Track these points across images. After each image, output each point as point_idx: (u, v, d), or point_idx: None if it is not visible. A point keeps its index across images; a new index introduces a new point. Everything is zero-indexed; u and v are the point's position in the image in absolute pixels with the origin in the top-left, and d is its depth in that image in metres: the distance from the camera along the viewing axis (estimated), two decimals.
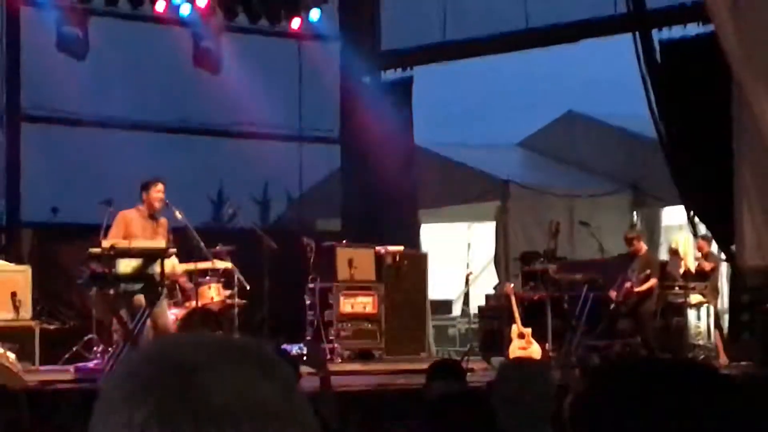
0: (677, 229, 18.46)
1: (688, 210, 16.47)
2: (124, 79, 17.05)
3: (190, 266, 13.81)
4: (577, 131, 20.81)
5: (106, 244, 12.17)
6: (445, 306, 19.65)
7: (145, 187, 12.93)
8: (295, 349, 6.49)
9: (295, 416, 1.45)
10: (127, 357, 1.49)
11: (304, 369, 6.90)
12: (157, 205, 12.87)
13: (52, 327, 14.71)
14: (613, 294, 15.38)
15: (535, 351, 14.70)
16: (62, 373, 12.86)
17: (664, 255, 18.06)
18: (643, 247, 15.94)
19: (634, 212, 19.82)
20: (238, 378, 1.43)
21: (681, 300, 15.77)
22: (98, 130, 17.32)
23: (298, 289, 15.78)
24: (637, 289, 15.40)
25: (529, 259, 16.60)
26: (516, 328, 14.89)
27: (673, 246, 16.82)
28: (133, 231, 12.72)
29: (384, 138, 18.45)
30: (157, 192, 12.88)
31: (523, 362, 6.38)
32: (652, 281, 15.50)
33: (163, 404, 1.41)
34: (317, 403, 6.60)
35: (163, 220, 13.00)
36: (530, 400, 4.75)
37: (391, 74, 19.34)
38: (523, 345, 14.77)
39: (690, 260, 16.26)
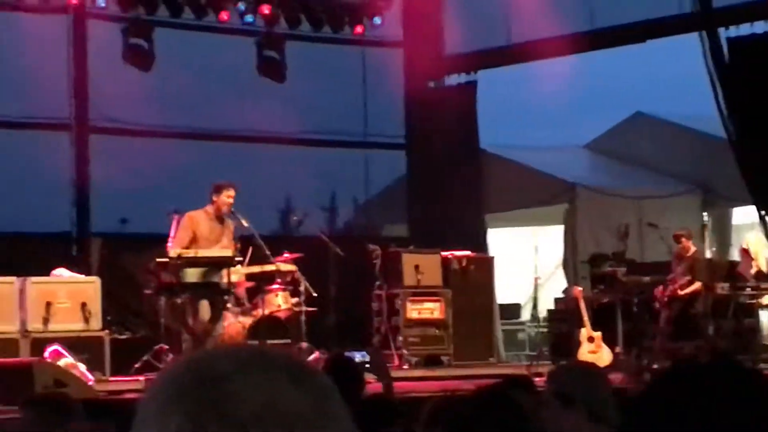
0: (748, 228, 18.22)
1: (759, 209, 16.25)
2: (189, 89, 17.16)
3: (255, 269, 13.86)
4: (645, 132, 20.61)
5: (173, 251, 12.25)
6: (513, 310, 19.58)
7: (218, 189, 13.05)
8: (358, 356, 6.48)
9: (327, 426, 1.45)
10: (162, 370, 1.50)
11: (369, 376, 6.88)
12: (225, 209, 12.97)
13: (121, 337, 14.83)
14: (658, 292, 15.21)
15: (604, 355, 14.58)
16: (133, 383, 12.93)
17: (735, 255, 17.85)
18: (692, 247, 15.73)
19: (704, 213, 19.59)
20: (269, 387, 1.44)
21: (753, 301, 15.57)
22: (165, 141, 17.45)
23: (365, 295, 15.78)
24: (681, 292, 15.23)
25: (597, 262, 16.49)
26: (585, 331, 14.78)
27: (744, 246, 16.62)
28: (201, 232, 12.82)
29: (449, 142, 18.41)
30: (228, 196, 13.00)
31: (578, 365, 6.32)
32: (696, 285, 15.30)
33: (194, 413, 1.42)
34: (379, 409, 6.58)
35: (230, 224, 13.09)
36: (584, 402, 4.68)
37: (455, 78, 19.30)
38: (593, 349, 14.66)
39: (761, 260, 16.06)
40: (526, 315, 19.80)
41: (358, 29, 18.38)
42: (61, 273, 14.27)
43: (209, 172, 15.55)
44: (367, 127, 19.15)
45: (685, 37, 17.04)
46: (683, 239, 15.71)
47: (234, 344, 1.49)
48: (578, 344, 14.82)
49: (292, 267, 14.15)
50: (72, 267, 14.85)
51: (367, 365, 6.76)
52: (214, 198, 13.03)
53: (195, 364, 1.49)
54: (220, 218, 13.05)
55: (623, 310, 15.16)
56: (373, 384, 7.28)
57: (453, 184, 18.29)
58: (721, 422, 1.67)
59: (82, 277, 14.42)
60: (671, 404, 1.72)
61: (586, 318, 14.83)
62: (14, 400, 10.34)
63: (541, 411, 4.61)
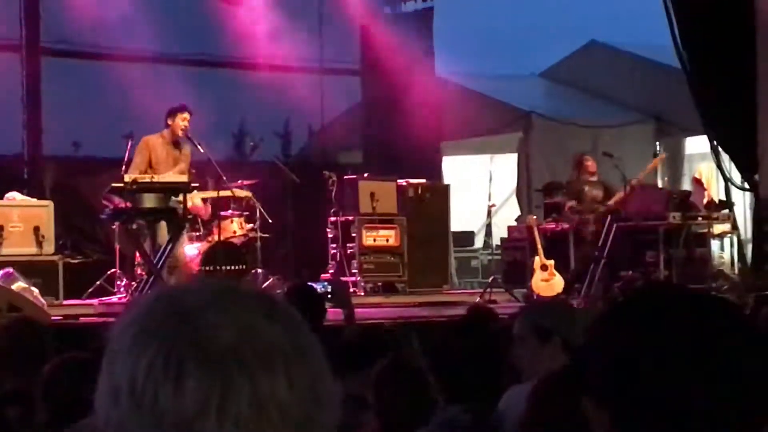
0: (701, 158, 18.36)
1: (711, 139, 16.35)
2: (145, 11, 16.95)
3: (211, 193, 13.81)
4: (600, 61, 20.66)
5: (128, 176, 12.17)
6: (467, 238, 19.65)
7: (172, 113, 12.97)
8: (319, 287, 6.52)
9: (303, 357, 1.45)
10: (130, 305, 1.49)
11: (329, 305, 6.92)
12: (180, 132, 12.89)
13: (75, 261, 14.74)
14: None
15: (557, 283, 14.70)
16: (86, 308, 12.93)
17: (687, 185, 17.99)
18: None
19: (657, 142, 19.70)
20: (243, 319, 1.43)
21: (704, 230, 15.70)
22: (119, 64, 17.27)
23: (320, 222, 15.77)
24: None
25: (551, 191, 16.54)
26: (539, 259, 14.88)
27: (696, 176, 16.74)
28: (157, 157, 12.75)
29: (405, 69, 18.33)
30: (183, 119, 12.92)
31: (551, 301, 6.45)
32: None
33: (167, 347, 1.41)
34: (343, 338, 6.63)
35: (186, 150, 13.02)
36: (559, 335, 4.75)
37: (411, 5, 19.19)
38: (546, 277, 14.76)
39: (713, 190, 16.18)
40: (479, 242, 19.89)
41: None
42: (14, 196, 14.13)
43: (162, 96, 15.42)
44: (323, 53, 19.03)
45: None
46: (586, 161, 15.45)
47: (203, 279, 1.50)
48: (531, 272, 14.92)
49: (247, 193, 14.12)
50: (23, 190, 14.73)
51: (329, 295, 6.78)
52: (169, 122, 12.95)
53: (166, 297, 1.47)
54: (176, 143, 12.98)
55: (576, 239, 15.24)
56: (333, 311, 7.32)
57: (408, 112, 18.22)
58: (682, 349, 1.70)
59: (35, 201, 14.29)
60: (630, 330, 1.75)
61: (539, 246, 14.92)
62: None
63: (514, 346, 4.68)
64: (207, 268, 13.81)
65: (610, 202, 15.03)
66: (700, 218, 15.74)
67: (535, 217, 15.64)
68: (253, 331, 1.43)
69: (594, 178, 15.30)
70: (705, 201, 16.16)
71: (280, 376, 1.42)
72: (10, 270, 11.90)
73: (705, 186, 16.25)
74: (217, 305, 1.45)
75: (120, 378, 1.43)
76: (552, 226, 15.66)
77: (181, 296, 1.47)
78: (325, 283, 7.62)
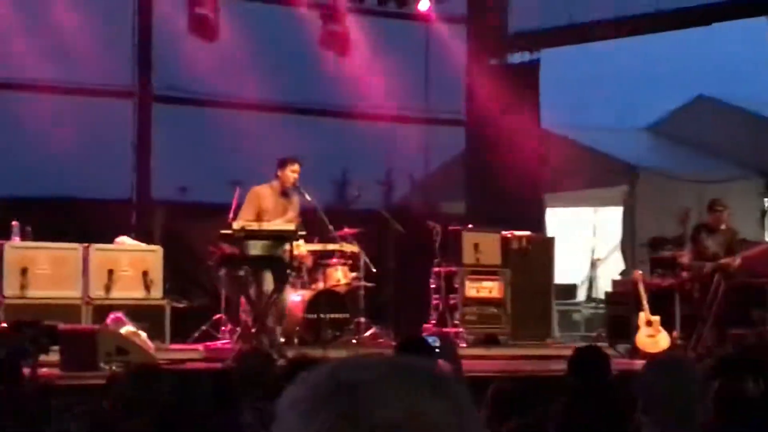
0: None
1: None
2: (252, 60, 17.17)
3: (318, 246, 13.89)
4: (708, 115, 20.50)
5: (236, 224, 12.28)
6: (569, 291, 19.53)
7: (282, 164, 13.03)
8: (429, 340, 6.54)
9: None
10: (303, 377, 1.52)
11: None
12: (290, 184, 12.96)
13: (180, 305, 14.91)
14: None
15: (663, 339, 14.51)
16: (192, 352, 13.05)
17: None
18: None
19: (765, 198, 19.44)
20: (409, 396, 1.44)
21: None
22: (227, 111, 17.50)
23: (423, 272, 15.78)
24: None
25: (657, 246, 16.36)
26: (644, 315, 14.70)
27: None
28: (266, 206, 12.84)
29: (510, 121, 18.32)
30: (293, 171, 12.98)
31: (670, 358, 6.30)
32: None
33: (334, 422, 1.43)
34: None
35: (294, 200, 13.08)
36: (679, 398, 4.67)
37: (518, 57, 19.19)
38: (651, 333, 14.58)
39: None
40: (581, 296, 19.75)
41: (423, 5, 18.32)
42: (124, 241, 14.37)
43: (269, 143, 15.58)
44: (428, 103, 19.12)
45: (750, 21, 16.86)
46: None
47: (376, 354, 1.54)
48: (636, 328, 14.74)
49: (354, 247, 14.19)
50: (131, 234, 14.94)
51: (437, 350, 6.78)
52: (279, 173, 13.02)
53: (335, 371, 1.50)
54: (284, 192, 13.06)
55: (682, 295, 15.03)
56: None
57: (512, 163, 18.20)
58: None
59: (144, 245, 14.51)
60: None
61: (645, 302, 14.75)
62: (78, 366, 10.49)
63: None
64: (309, 316, 13.89)
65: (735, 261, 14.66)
66: None
67: (641, 272, 15.47)
68: (419, 408, 1.43)
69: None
70: None
71: None
72: (120, 314, 12.08)
73: None
74: (385, 381, 1.46)
75: None
76: (658, 281, 15.46)
77: (350, 371, 1.48)
78: (435, 338, 7.59)
